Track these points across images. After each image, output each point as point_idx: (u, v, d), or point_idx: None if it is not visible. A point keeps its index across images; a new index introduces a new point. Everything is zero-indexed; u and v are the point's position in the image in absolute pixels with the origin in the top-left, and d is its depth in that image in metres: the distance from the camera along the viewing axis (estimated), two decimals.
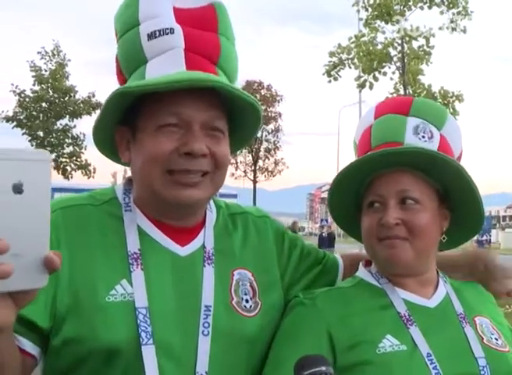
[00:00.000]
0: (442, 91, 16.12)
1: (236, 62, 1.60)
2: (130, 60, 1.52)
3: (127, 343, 1.38)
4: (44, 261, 0.98)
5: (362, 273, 1.75)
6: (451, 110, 16.01)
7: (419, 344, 1.51)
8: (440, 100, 16.08)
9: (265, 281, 1.62)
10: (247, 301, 1.55)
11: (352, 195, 1.72)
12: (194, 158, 1.44)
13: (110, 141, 1.58)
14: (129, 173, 1.64)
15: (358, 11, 16.24)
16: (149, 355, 1.37)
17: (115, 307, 1.40)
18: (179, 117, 1.45)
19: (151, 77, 1.45)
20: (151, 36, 1.48)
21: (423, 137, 1.68)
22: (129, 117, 1.52)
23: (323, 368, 1.22)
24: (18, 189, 0.94)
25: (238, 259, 1.60)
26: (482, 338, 1.58)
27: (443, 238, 1.70)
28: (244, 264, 1.60)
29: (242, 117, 1.57)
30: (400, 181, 1.62)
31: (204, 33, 1.52)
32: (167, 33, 1.47)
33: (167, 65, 1.46)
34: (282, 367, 1.49)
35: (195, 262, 1.52)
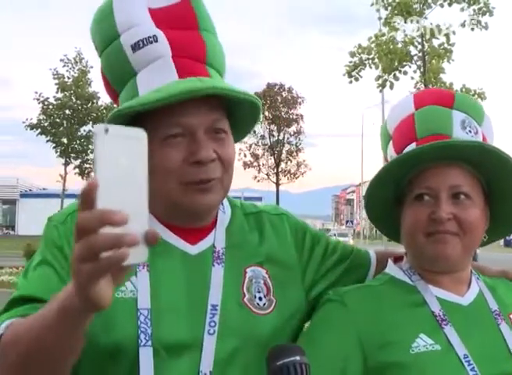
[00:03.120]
0: (464, 89, 15.91)
1: (221, 54, 1.57)
2: (118, 74, 1.50)
3: (129, 342, 1.37)
4: (147, 235, 0.98)
5: (392, 269, 1.68)
6: None
7: (455, 344, 1.46)
8: None
9: (282, 279, 1.57)
10: (260, 298, 1.51)
11: (391, 189, 1.66)
12: (204, 165, 1.43)
13: None
14: None
15: (378, 10, 16.17)
16: (145, 357, 1.37)
17: (123, 303, 1.39)
18: (183, 127, 1.43)
19: (145, 91, 1.43)
20: (136, 47, 1.44)
21: (470, 132, 1.65)
22: (136, 123, 1.43)
23: (297, 357, 1.16)
24: (122, 164, 0.95)
25: (252, 256, 1.57)
26: None
27: (484, 237, 1.64)
28: (259, 261, 1.57)
29: (241, 110, 1.54)
30: (452, 175, 1.57)
31: (186, 33, 1.49)
32: (151, 42, 1.44)
33: (158, 76, 1.44)
34: None
35: (205, 260, 1.50)
